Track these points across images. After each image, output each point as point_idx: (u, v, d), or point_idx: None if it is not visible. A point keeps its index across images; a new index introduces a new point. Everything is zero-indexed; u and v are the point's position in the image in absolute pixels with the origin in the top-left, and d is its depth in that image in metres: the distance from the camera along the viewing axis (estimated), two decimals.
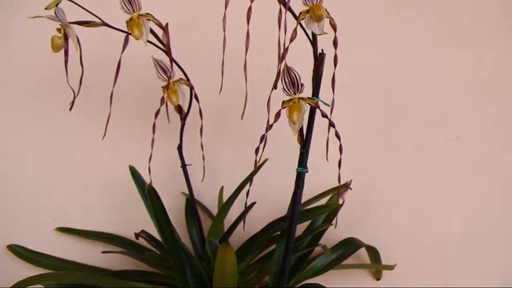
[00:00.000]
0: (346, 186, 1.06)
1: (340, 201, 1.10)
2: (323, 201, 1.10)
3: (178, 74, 1.00)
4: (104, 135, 0.94)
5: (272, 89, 0.80)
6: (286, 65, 0.79)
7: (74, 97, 0.96)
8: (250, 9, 0.86)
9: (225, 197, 1.17)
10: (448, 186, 1.23)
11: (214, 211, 1.21)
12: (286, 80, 0.81)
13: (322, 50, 0.85)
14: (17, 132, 1.22)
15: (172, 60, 0.95)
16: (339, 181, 0.86)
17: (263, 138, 0.85)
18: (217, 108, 1.17)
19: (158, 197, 0.93)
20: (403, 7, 1.25)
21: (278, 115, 0.83)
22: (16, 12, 1.19)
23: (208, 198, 1.22)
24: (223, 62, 0.79)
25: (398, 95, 1.25)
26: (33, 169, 1.22)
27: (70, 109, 0.94)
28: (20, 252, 1.17)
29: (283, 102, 0.83)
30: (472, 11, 1.24)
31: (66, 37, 0.91)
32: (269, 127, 0.83)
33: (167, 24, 0.95)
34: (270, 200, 1.19)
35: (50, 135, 1.23)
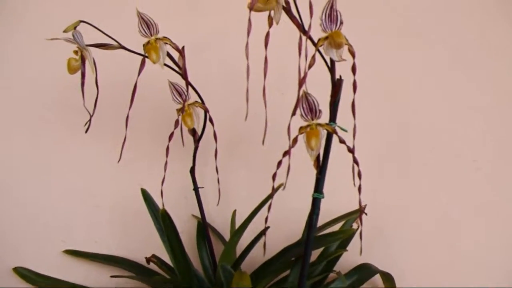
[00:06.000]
0: (361, 211, 1.04)
1: (355, 226, 1.09)
2: (336, 227, 1.08)
3: (193, 97, 1.00)
4: (120, 158, 0.93)
5: (292, 115, 0.79)
6: (304, 91, 0.79)
7: (90, 119, 0.95)
8: (268, 34, 0.86)
9: (237, 221, 1.16)
10: (463, 209, 1.21)
11: (225, 234, 1.19)
12: (304, 106, 0.81)
13: (340, 76, 0.85)
14: (29, 152, 1.21)
15: (188, 83, 0.95)
16: (360, 206, 0.85)
17: (279, 163, 0.85)
18: (229, 131, 1.15)
19: (172, 223, 0.93)
20: (413, 32, 1.25)
21: (295, 140, 0.83)
22: (32, 34, 1.20)
23: (220, 222, 1.21)
24: (247, 90, 0.78)
25: (410, 119, 1.24)
26: (43, 189, 1.21)
27: (86, 131, 0.93)
28: (26, 275, 1.16)
29: (301, 128, 0.82)
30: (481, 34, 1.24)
31: (83, 60, 0.91)
32: (286, 152, 0.83)
33: (183, 47, 0.95)
34: (283, 223, 1.17)
35: (62, 154, 1.22)
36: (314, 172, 0.88)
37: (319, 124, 0.82)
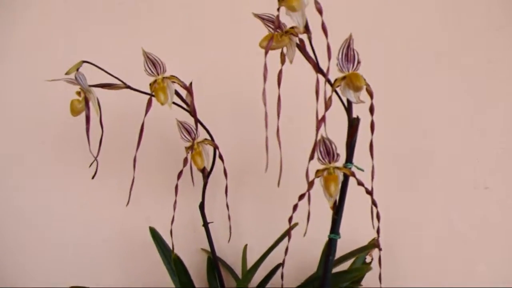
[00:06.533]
0: (375, 245, 1.02)
1: (368, 259, 1.08)
2: (350, 261, 1.06)
3: (201, 134, 0.96)
4: (128, 202, 0.90)
5: (309, 160, 0.77)
6: (322, 136, 0.77)
7: (96, 161, 0.91)
8: (280, 72, 0.83)
9: (248, 253, 1.14)
10: (475, 233, 1.20)
11: (235, 267, 1.17)
12: (321, 149, 0.79)
13: (357, 116, 0.83)
14: (36, 186, 1.20)
15: (197, 121, 0.92)
16: (379, 248, 0.84)
17: (295, 207, 0.82)
18: (237, 163, 1.12)
19: (184, 266, 0.90)
20: (426, 57, 1.21)
21: (311, 184, 0.81)
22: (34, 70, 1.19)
23: (230, 255, 1.18)
24: (266, 138, 0.74)
25: (422, 143, 1.21)
26: (50, 224, 1.20)
27: (93, 177, 0.90)
28: None
29: (317, 171, 0.80)
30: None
31: (86, 101, 0.86)
32: (303, 196, 0.80)
33: (191, 84, 0.91)
34: (296, 254, 1.13)
35: (69, 189, 1.20)
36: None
37: (337, 168, 0.79)
